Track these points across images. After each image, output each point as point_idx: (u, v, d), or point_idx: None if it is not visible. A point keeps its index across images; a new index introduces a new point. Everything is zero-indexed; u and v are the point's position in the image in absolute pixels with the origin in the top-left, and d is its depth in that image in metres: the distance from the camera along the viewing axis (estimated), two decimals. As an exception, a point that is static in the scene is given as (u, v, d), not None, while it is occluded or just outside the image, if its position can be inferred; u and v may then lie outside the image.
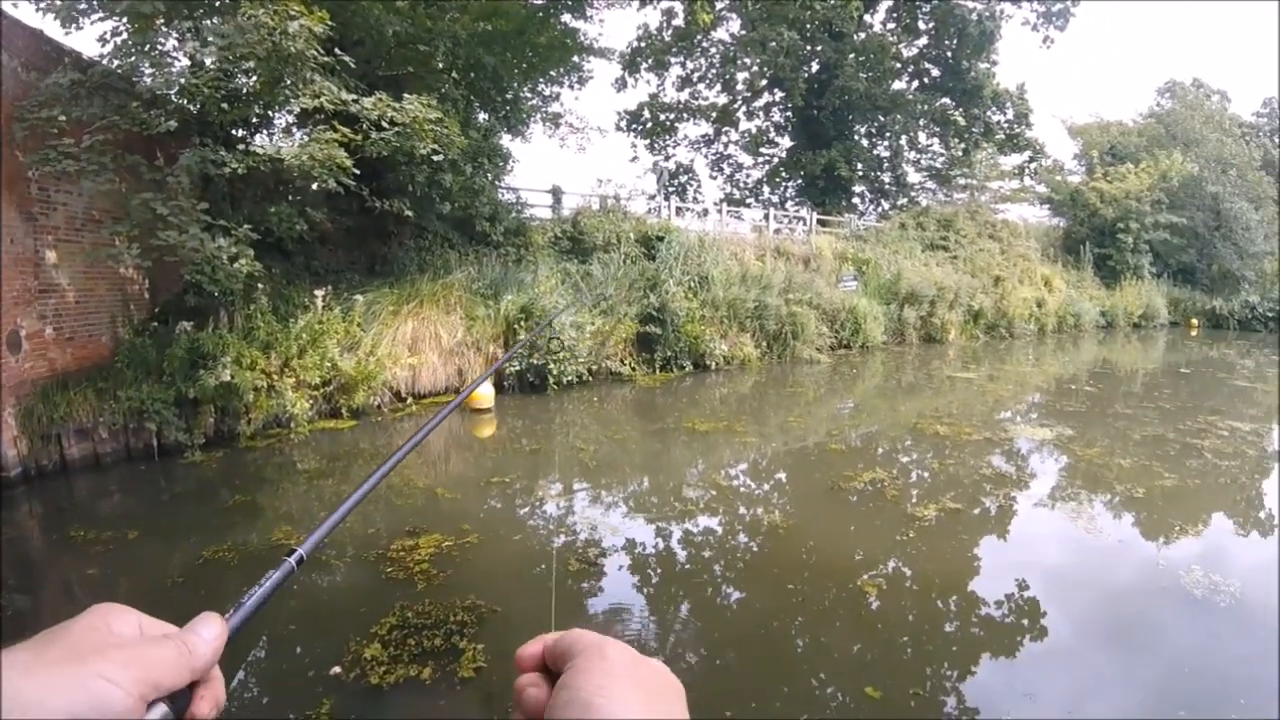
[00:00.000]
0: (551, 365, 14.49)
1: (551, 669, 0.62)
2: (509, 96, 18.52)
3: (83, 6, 11.74)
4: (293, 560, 0.83)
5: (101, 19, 11.92)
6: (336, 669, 4.81)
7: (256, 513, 8.18)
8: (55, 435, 9.80)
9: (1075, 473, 9.76)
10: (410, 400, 13.22)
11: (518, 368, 14.40)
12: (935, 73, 34.02)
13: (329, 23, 10.74)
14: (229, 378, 10.43)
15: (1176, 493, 8.75)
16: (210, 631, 0.64)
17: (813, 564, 6.67)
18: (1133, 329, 33.84)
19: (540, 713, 0.59)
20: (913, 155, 37.28)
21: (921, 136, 36.15)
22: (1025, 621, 5.64)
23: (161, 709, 0.55)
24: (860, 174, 34.82)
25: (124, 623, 0.59)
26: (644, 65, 33.77)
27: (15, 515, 8.94)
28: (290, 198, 12.33)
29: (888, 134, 35.18)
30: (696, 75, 35.36)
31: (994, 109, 33.79)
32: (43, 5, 11.92)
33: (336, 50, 11.23)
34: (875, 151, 35.84)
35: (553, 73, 19.29)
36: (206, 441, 10.65)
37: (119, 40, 11.70)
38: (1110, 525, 7.83)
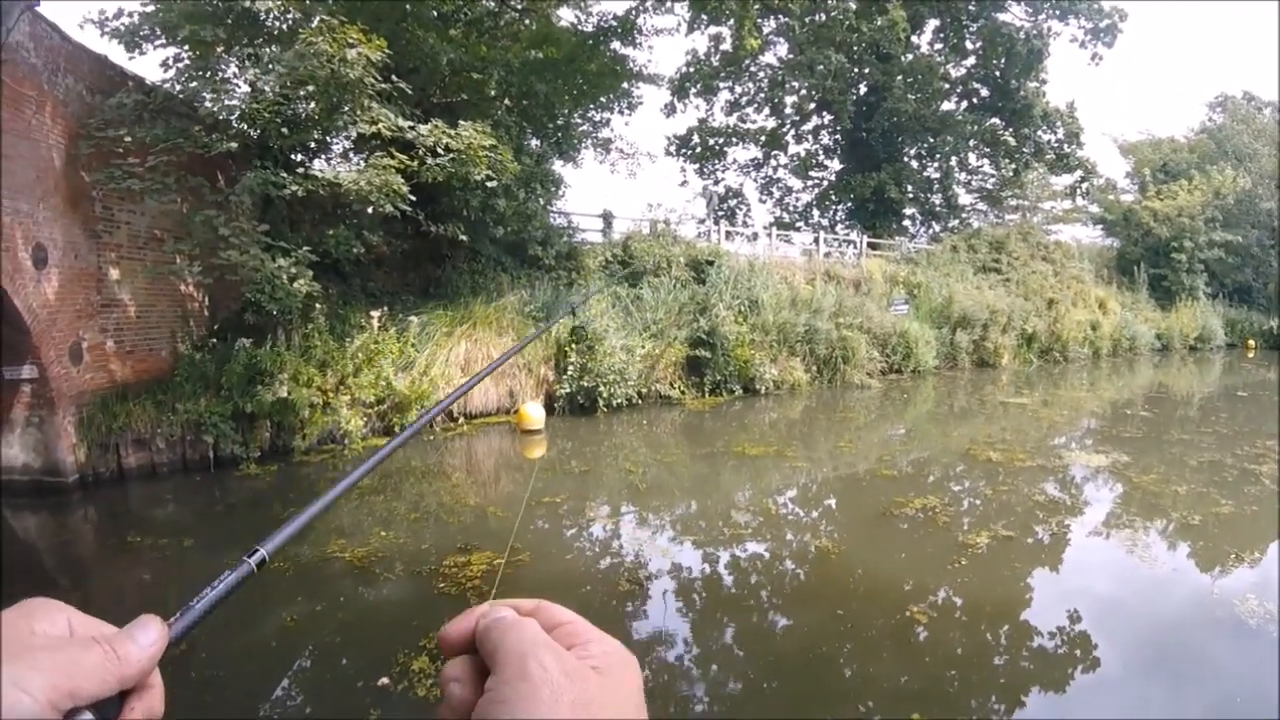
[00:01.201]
0: (601, 388, 14.55)
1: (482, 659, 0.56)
2: (560, 123, 18.80)
3: (145, 33, 12.22)
4: (252, 562, 0.77)
5: (164, 45, 12.39)
6: (384, 680, 4.88)
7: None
8: (114, 444, 10.16)
9: (1130, 500, 9.52)
10: (462, 420, 13.39)
11: (568, 390, 14.49)
12: (984, 92, 33.62)
13: (386, 51, 11.02)
14: (286, 394, 10.70)
15: (1233, 520, 8.48)
16: (147, 637, 0.58)
17: (861, 591, 6.60)
18: (1189, 351, 32.97)
19: (465, 717, 0.53)
20: (963, 176, 36.80)
21: (972, 157, 35.68)
22: (1077, 652, 5.49)
23: (86, 717, 0.51)
24: (910, 196, 34.48)
25: (51, 622, 0.54)
26: (693, 90, 33.88)
27: (71, 520, 9.27)
28: (348, 221, 12.63)
29: (937, 155, 34.82)
30: (745, 99, 35.41)
31: (1044, 128, 33.22)
32: (107, 31, 12.44)
33: (393, 77, 11.52)
34: (925, 173, 35.48)
35: (603, 99, 19.53)
36: (262, 455, 10.92)
37: (180, 65, 12.15)
38: (1164, 553, 7.62)
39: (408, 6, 13.25)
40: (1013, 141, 32.79)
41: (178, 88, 11.49)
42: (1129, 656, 5.55)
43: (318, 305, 12.02)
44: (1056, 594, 6.65)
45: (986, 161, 35.64)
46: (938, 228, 35.65)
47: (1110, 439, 13.60)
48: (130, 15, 12.43)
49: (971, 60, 33.60)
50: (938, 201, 35.92)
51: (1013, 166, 34.15)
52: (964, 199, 37.38)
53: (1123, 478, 10.50)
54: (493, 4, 17.06)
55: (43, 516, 9.27)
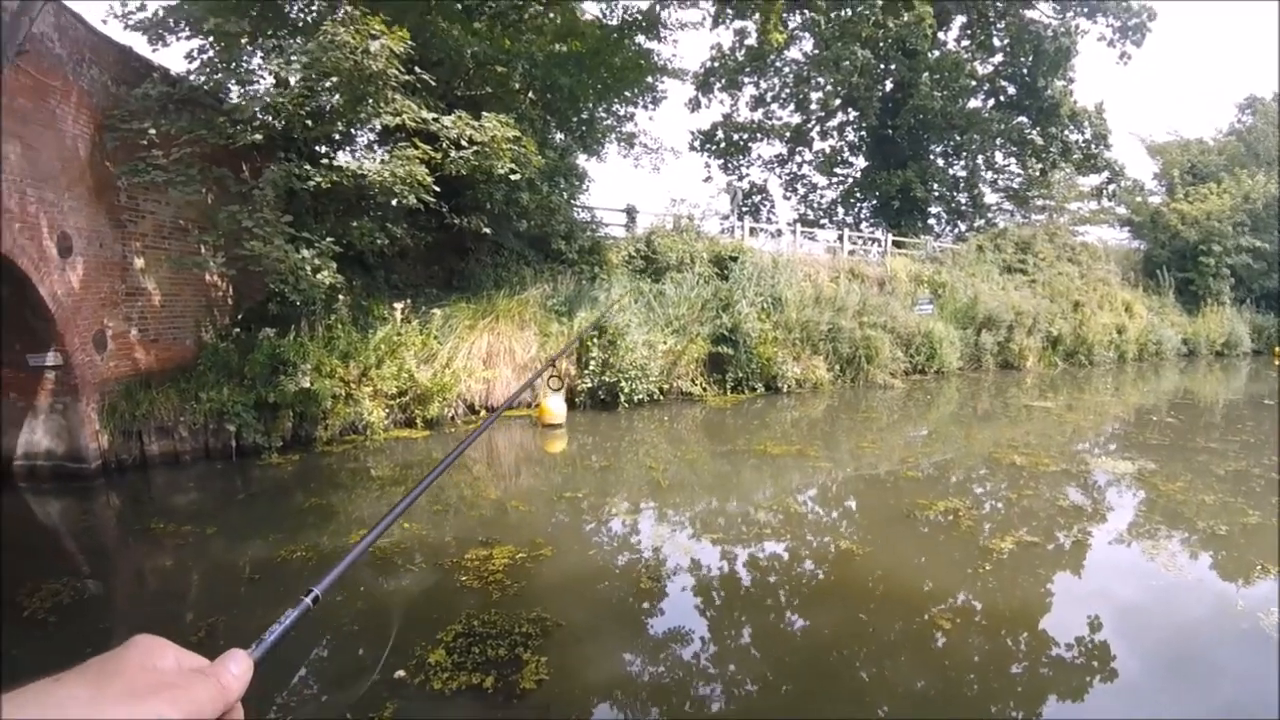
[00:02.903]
0: (623, 383, 14.51)
1: None
2: (584, 117, 18.80)
3: (170, 24, 12.29)
4: (309, 599, 0.90)
5: (188, 37, 12.46)
6: (401, 672, 4.87)
7: (330, 515, 8.35)
8: (137, 432, 10.26)
9: (1155, 508, 9.34)
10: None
11: (590, 385, 14.46)
12: (1011, 90, 33.34)
13: (409, 42, 11.02)
14: (308, 384, 10.76)
15: (1260, 530, 8.28)
16: (239, 667, 0.68)
17: (881, 594, 6.51)
18: (1215, 357, 32.44)
19: None
20: (989, 175, 36.56)
21: (998, 156, 35.46)
22: (1095, 662, 5.38)
23: None
24: (936, 194, 34.27)
25: (164, 658, 0.63)
26: (717, 85, 33.82)
27: (94, 505, 9.36)
28: (372, 213, 12.67)
29: (964, 154, 34.60)
30: (770, 95, 35.29)
31: (1071, 128, 32.90)
32: (130, 25, 12.52)
33: (417, 69, 11.51)
34: (951, 171, 35.26)
35: (627, 93, 19.51)
36: (284, 445, 10.99)
37: (205, 57, 12.22)
38: (1188, 563, 7.48)
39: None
40: (1040, 141, 32.51)
41: (202, 79, 11.55)
42: (1149, 666, 5.44)
43: (341, 297, 12.07)
44: (1078, 601, 6.53)
45: (1013, 160, 35.38)
46: (963, 227, 35.42)
47: (1135, 445, 13.40)
48: (153, 10, 12.53)
49: (999, 58, 33.34)
50: (964, 200, 35.69)
51: (1039, 166, 33.84)
52: (990, 198, 37.16)
53: (1148, 485, 10.32)
54: (518, -3, 17.09)
55: (66, 502, 9.35)
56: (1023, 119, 32.85)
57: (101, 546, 8.30)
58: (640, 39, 18.37)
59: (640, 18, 18.40)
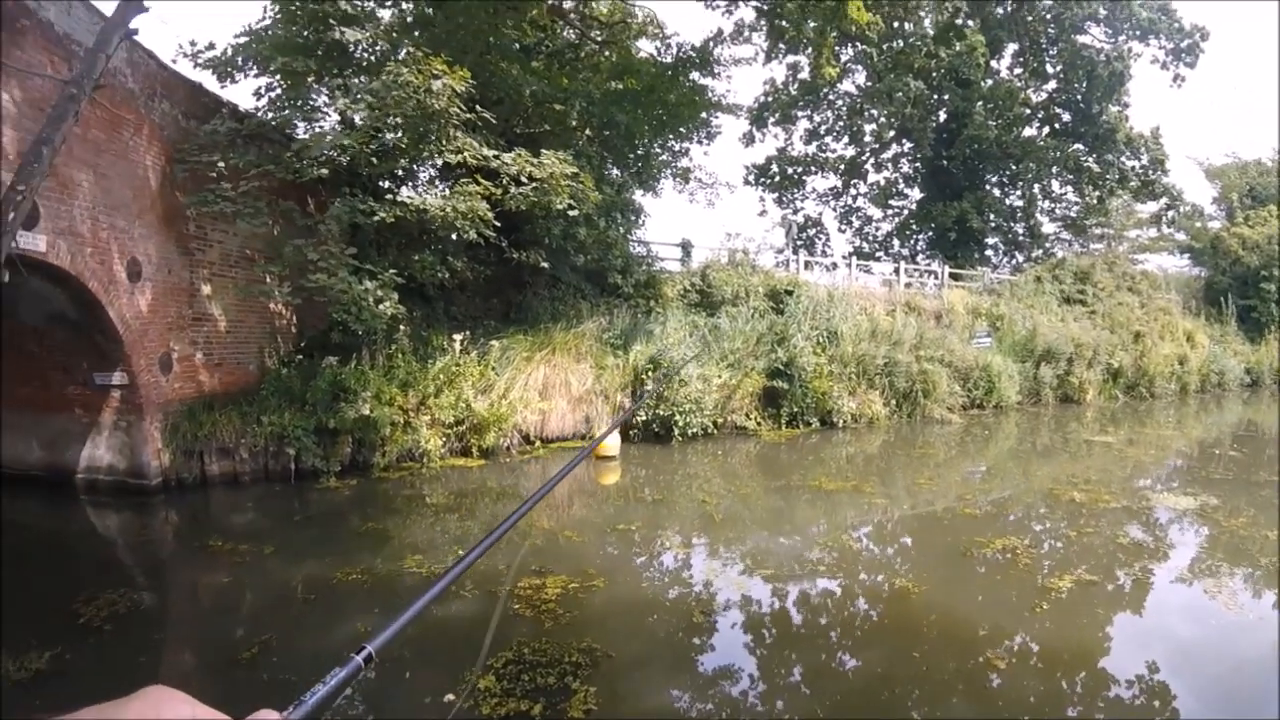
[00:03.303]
0: (677, 416, 14.54)
1: None
2: (640, 153, 19.03)
3: (238, 63, 12.80)
4: (360, 658, 0.80)
5: (256, 75, 12.94)
6: (450, 696, 4.95)
7: (385, 540, 8.50)
8: (198, 451, 10.63)
9: (1217, 544, 9.06)
10: (538, 444, 13.53)
11: (644, 417, 14.53)
12: (1066, 118, 32.88)
13: (470, 82, 11.32)
14: (368, 412, 11.02)
15: (1327, 567, 8.04)
16: None
17: (936, 633, 6.40)
18: (1279, 387, 31.56)
19: None
20: (1046, 204, 36.09)
21: (1055, 185, 34.92)
22: (1156, 703, 5.25)
23: None
24: (993, 225, 33.89)
25: (177, 711, 0.56)
26: (771, 119, 33.97)
27: (152, 521, 9.69)
28: (433, 246, 12.97)
29: (1020, 183, 34.14)
30: (824, 128, 35.34)
31: (1128, 154, 32.28)
32: (200, 63, 13.05)
33: (478, 108, 11.80)
34: (1007, 201, 34.82)
35: (682, 129, 19.67)
36: (342, 469, 11.24)
37: (273, 95, 12.68)
38: (1250, 601, 7.26)
39: (491, 39, 13.61)
40: (1096, 168, 31.98)
41: (270, 115, 11.99)
42: (1209, 706, 5.30)
43: (402, 327, 12.35)
44: (1138, 641, 6.38)
45: (1070, 189, 34.87)
46: (1021, 258, 34.90)
47: (1198, 480, 13.04)
48: (223, 48, 13.03)
49: (1052, 84, 33.05)
50: (1020, 230, 35.21)
51: (1097, 194, 33.25)
52: (1047, 228, 36.64)
53: (1210, 520, 10.03)
54: (574, 36, 17.45)
55: (125, 515, 9.72)
56: (1078, 146, 32.37)
57: (159, 560, 8.59)
58: (695, 75, 18.59)
59: (694, 55, 18.64)
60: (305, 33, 12.14)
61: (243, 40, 12.96)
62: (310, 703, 0.71)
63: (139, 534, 9.28)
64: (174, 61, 12.09)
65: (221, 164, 10.39)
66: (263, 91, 12.97)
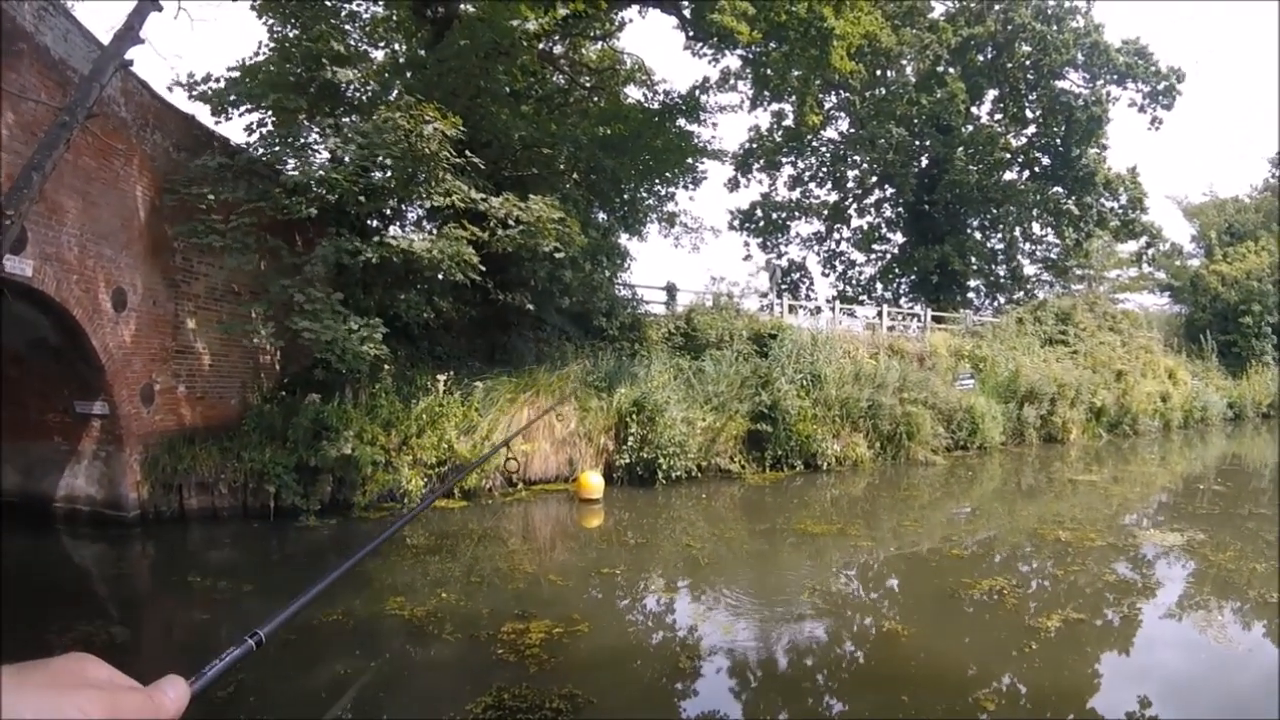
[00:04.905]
0: (661, 459, 14.47)
1: None
2: (626, 197, 19.23)
3: (233, 98, 12.88)
4: (252, 641, 0.94)
5: (249, 110, 13.01)
6: None
7: (366, 581, 8.38)
8: (177, 485, 10.53)
9: (1205, 579, 9.15)
10: (520, 486, 13.44)
11: (627, 460, 14.47)
12: (1046, 161, 33.65)
13: (461, 127, 11.42)
14: (350, 450, 10.93)
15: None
16: (175, 691, 0.70)
17: (924, 675, 6.37)
18: (1261, 419, 31.96)
19: None
20: (1027, 247, 36.60)
21: (1035, 227, 35.48)
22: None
23: None
24: (975, 268, 34.27)
25: (98, 671, 0.63)
26: (756, 165, 34.46)
27: (129, 553, 9.59)
28: (419, 286, 12.98)
29: (1001, 226, 34.70)
30: (807, 174, 35.87)
31: (1107, 195, 33.12)
32: (195, 95, 13.11)
33: (467, 151, 11.91)
34: (989, 244, 35.36)
35: (668, 174, 19.90)
36: (322, 508, 11.10)
37: (264, 131, 12.74)
38: (1240, 634, 7.34)
39: (481, 83, 13.76)
40: (1076, 210, 32.62)
41: (260, 151, 12.04)
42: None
43: (386, 366, 12.31)
44: (1127, 678, 6.42)
45: (1050, 231, 35.37)
46: (1003, 299, 35.27)
47: (1183, 515, 13.15)
48: (218, 80, 13.06)
49: (1032, 129, 33.81)
50: (1002, 273, 35.65)
51: (1076, 235, 33.79)
52: (1029, 269, 37.14)
53: (1197, 555, 10.11)
54: (563, 82, 17.69)
55: (102, 547, 9.62)
56: (1058, 189, 33.04)
57: (135, 594, 8.48)
58: (681, 122, 18.87)
59: (681, 101, 18.92)
60: (298, 70, 12.23)
61: (235, 75, 13.03)
62: (209, 675, 0.84)
63: (115, 566, 9.17)
64: (169, 90, 12.18)
65: (211, 197, 10.41)
66: (254, 127, 13.02)
